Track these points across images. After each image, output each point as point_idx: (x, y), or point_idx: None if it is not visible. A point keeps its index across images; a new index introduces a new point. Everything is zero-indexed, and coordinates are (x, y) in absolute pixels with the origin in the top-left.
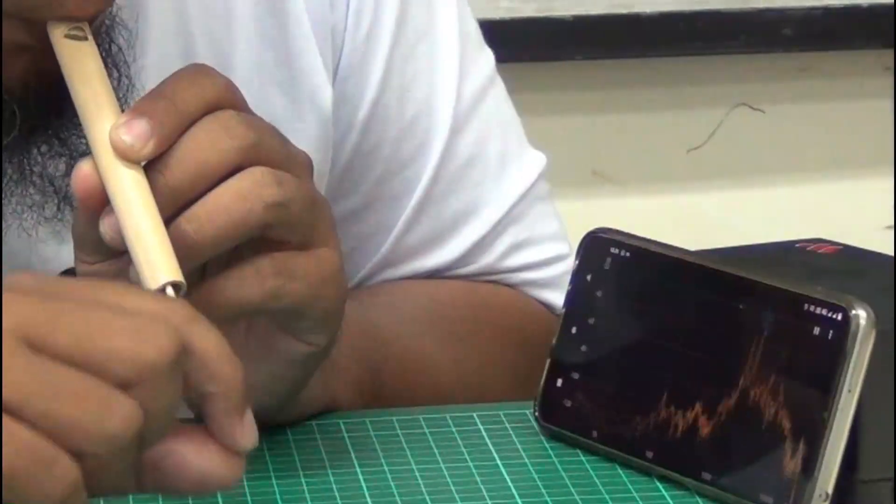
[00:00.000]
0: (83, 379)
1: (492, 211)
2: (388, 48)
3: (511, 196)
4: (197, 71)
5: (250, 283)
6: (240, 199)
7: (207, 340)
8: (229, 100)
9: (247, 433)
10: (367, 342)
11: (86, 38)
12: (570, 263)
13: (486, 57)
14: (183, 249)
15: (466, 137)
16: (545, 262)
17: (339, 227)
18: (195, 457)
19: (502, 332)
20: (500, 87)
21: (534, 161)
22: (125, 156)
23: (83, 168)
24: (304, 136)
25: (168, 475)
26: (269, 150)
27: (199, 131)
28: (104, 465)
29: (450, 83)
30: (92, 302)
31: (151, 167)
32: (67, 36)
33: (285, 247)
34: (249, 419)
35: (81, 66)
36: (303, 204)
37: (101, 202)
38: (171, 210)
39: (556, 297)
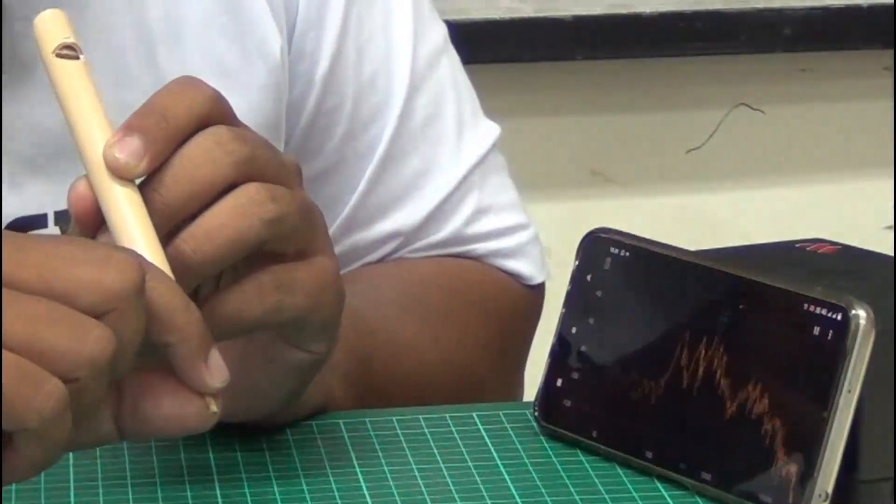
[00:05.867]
0: (55, 307)
1: (452, 172)
2: (344, 4)
3: (469, 159)
4: (186, 84)
5: (251, 300)
6: (237, 217)
7: (158, 292)
8: (219, 112)
9: (214, 374)
10: (354, 333)
11: (77, 58)
12: (531, 234)
13: (440, 26)
14: (181, 269)
15: (424, 96)
16: (508, 230)
17: (307, 189)
18: (171, 400)
19: (475, 306)
20: (454, 56)
21: (489, 130)
22: (119, 174)
23: (79, 187)
24: (255, 85)
25: (146, 419)
26: (262, 162)
27: (194, 147)
28: (83, 390)
29: (405, 42)
30: (54, 238)
31: (147, 185)
32: (59, 55)
33: (281, 258)
34: (214, 359)
35: (73, 85)
36: (298, 216)
37: (97, 221)
38: (168, 227)
39: (522, 266)
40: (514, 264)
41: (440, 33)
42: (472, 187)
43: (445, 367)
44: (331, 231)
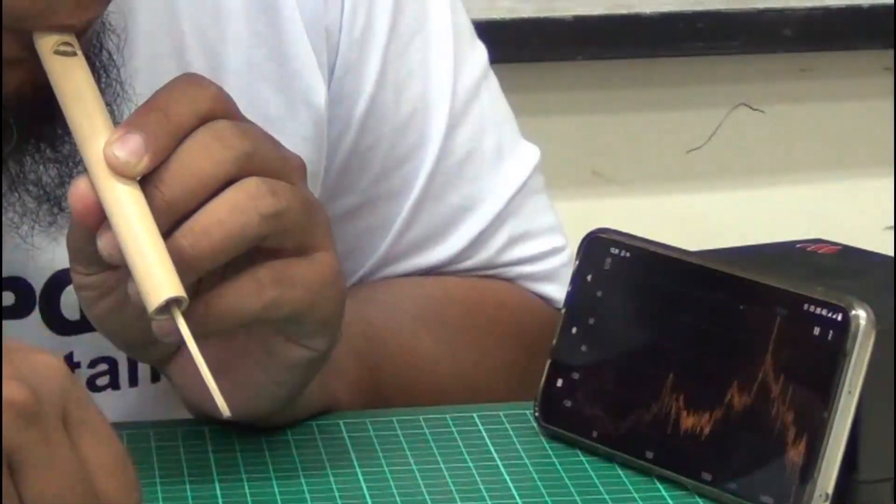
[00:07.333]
0: None
1: (490, 205)
2: (383, 45)
3: (508, 190)
4: (188, 81)
5: (249, 294)
6: (235, 212)
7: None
8: (222, 108)
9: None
10: (364, 341)
11: (75, 54)
12: (566, 256)
13: (479, 51)
14: (180, 265)
15: (463, 133)
16: (542, 255)
17: (338, 225)
18: None
19: (499, 327)
20: (493, 81)
21: (529, 154)
22: (120, 172)
23: (79, 186)
24: (298, 135)
25: None
26: (263, 157)
27: (194, 143)
28: None
29: (445, 79)
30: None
31: (147, 181)
32: (56, 52)
33: (282, 253)
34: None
35: (72, 82)
36: (298, 211)
37: (99, 219)
38: (169, 224)
39: (554, 290)
40: (545, 288)
41: (480, 59)
42: (508, 216)
43: (460, 383)
44: (364, 268)
